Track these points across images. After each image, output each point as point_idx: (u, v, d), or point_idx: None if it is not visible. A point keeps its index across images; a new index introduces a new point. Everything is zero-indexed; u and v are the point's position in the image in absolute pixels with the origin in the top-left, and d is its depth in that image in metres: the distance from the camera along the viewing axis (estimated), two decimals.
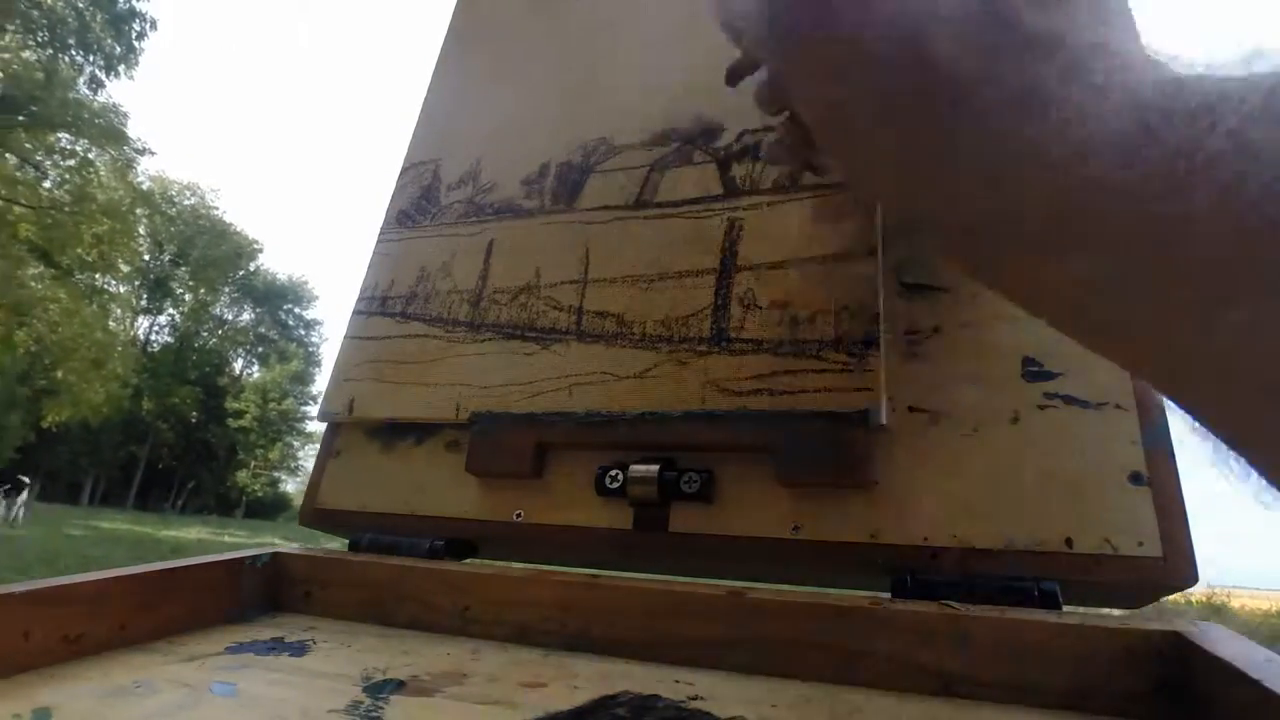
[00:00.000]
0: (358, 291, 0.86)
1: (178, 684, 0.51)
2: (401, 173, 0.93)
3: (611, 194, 0.78)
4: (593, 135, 0.83)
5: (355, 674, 0.53)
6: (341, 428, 0.82)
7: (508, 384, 0.72)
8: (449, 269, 0.82)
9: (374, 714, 0.46)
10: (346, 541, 0.78)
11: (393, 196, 0.92)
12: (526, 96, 0.90)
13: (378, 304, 0.84)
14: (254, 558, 0.71)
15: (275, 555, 0.72)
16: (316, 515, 0.79)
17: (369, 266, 0.87)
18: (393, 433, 0.79)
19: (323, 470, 0.80)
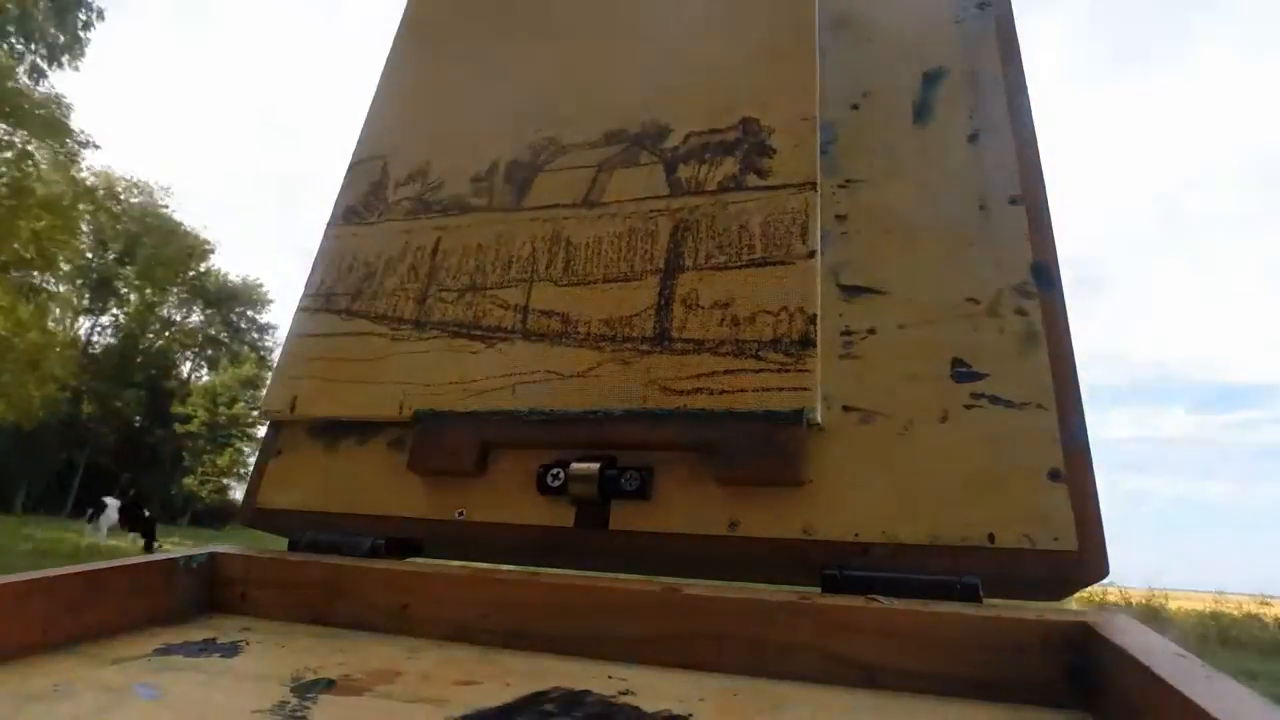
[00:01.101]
0: (303, 287, 0.85)
1: (99, 687, 0.50)
2: (350, 168, 0.92)
3: (559, 193, 0.78)
4: (541, 134, 0.83)
5: (286, 674, 0.53)
6: (283, 426, 0.80)
7: (451, 382, 0.72)
8: (395, 266, 0.81)
9: (299, 714, 0.46)
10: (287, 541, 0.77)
11: (340, 192, 0.91)
12: (476, 94, 0.90)
13: (323, 300, 0.83)
14: (189, 558, 0.69)
15: (212, 556, 0.70)
16: (256, 515, 0.77)
17: (314, 262, 0.86)
18: (336, 431, 0.78)
19: (263, 469, 0.79)
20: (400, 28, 1.01)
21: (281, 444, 0.79)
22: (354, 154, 0.93)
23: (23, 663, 0.53)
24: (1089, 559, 0.52)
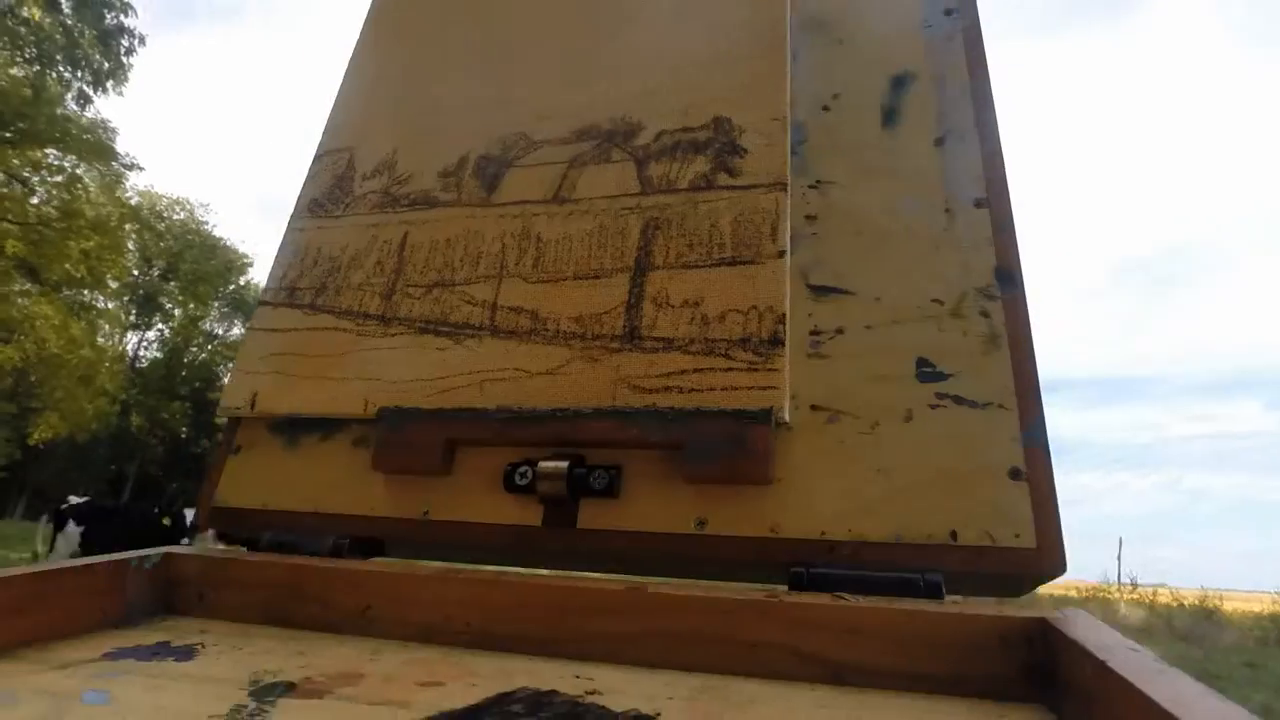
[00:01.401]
0: (265, 281, 0.83)
1: (44, 694, 0.48)
2: (315, 160, 0.90)
3: (530, 189, 0.78)
4: (512, 129, 0.82)
5: (244, 677, 0.51)
6: (242, 423, 0.78)
7: (417, 379, 0.70)
8: (361, 260, 0.79)
9: (257, 718, 0.44)
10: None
11: (304, 184, 0.89)
12: (444, 87, 0.89)
13: (285, 294, 0.81)
14: (142, 558, 0.67)
15: (166, 556, 0.68)
16: (214, 514, 0.75)
17: (277, 255, 0.84)
18: (297, 428, 0.76)
19: (221, 468, 0.77)
20: (369, 14, 0.99)
21: (240, 441, 0.77)
22: (319, 145, 0.91)
23: None
24: (1047, 556, 0.53)
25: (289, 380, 0.75)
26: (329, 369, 0.74)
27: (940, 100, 0.74)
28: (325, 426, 0.75)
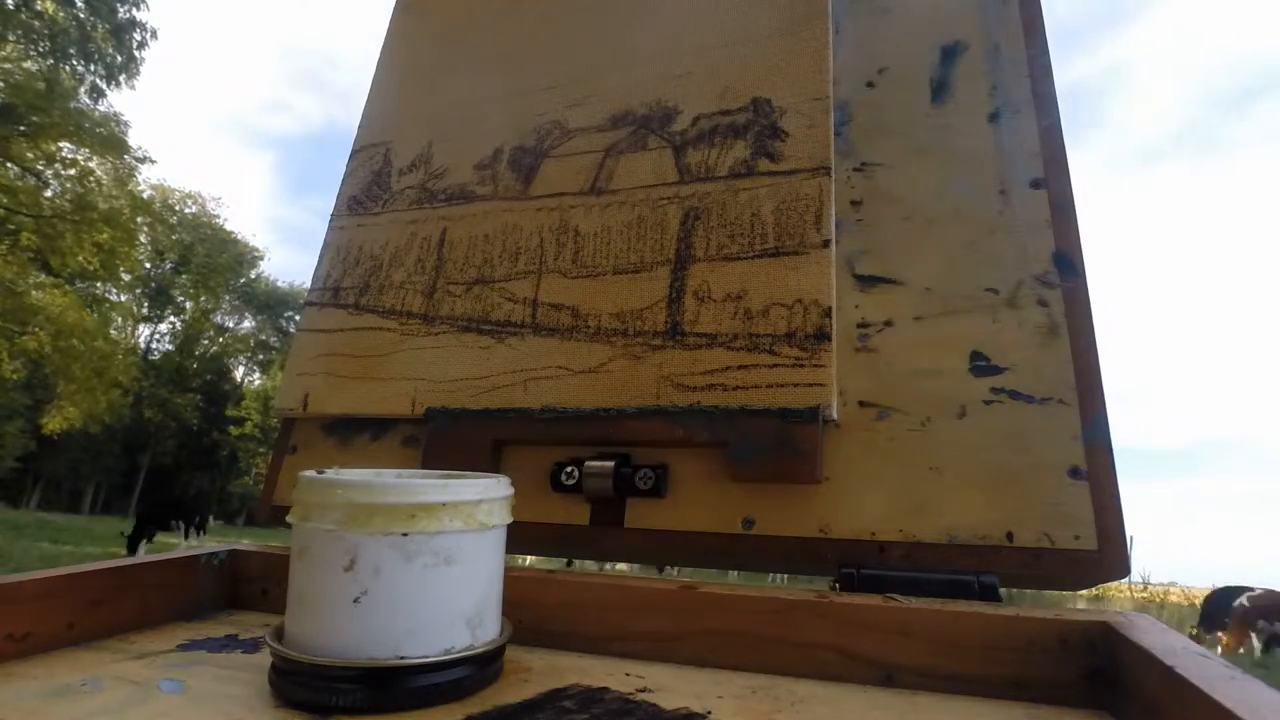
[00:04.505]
0: (309, 280, 0.84)
1: (125, 681, 0.51)
2: (352, 155, 0.90)
3: (566, 180, 0.77)
4: (546, 117, 0.81)
5: None
6: (297, 423, 0.80)
7: (462, 378, 0.71)
8: (402, 258, 0.80)
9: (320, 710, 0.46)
10: None
11: (344, 180, 0.89)
12: (476, 74, 0.88)
13: (330, 294, 0.82)
14: (210, 555, 0.70)
15: (232, 553, 0.71)
16: (274, 512, 0.78)
17: (321, 254, 0.85)
18: (348, 428, 0.77)
19: (279, 467, 0.79)
20: (396, 3, 0.98)
21: (296, 440, 0.80)
22: (355, 140, 0.91)
23: (50, 657, 0.55)
24: (1109, 558, 0.51)
25: (338, 381, 0.76)
26: (376, 369, 0.75)
27: (994, 71, 0.70)
28: (375, 426, 0.76)
